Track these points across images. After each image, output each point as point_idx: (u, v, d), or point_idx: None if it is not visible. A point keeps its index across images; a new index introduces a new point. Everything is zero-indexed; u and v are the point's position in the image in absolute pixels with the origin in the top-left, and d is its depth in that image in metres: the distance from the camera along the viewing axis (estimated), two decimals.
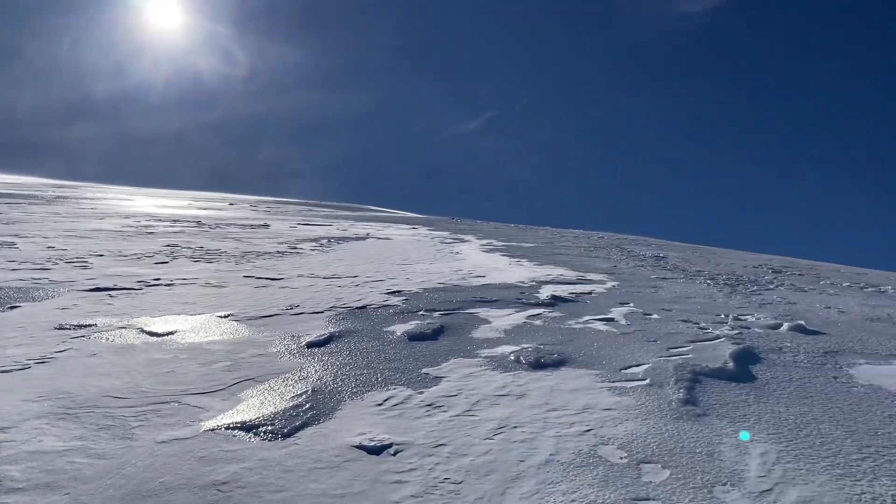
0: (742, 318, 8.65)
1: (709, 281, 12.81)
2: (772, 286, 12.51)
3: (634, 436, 4.35)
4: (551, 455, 4.03)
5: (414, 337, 6.95)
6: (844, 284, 13.13)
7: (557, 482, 3.68)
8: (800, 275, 14.86)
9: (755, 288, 12.07)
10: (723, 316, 8.74)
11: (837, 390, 5.44)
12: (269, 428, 4.43)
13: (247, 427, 4.43)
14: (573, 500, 3.46)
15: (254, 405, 4.86)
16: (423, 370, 5.80)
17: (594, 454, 4.06)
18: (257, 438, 4.27)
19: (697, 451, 4.11)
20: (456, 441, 4.23)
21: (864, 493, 3.53)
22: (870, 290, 12.47)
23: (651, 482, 3.69)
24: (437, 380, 5.53)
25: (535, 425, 4.52)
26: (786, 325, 8.02)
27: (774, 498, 3.50)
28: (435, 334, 7.10)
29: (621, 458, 4.02)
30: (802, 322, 8.16)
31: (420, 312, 8.21)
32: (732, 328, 7.81)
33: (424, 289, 10.11)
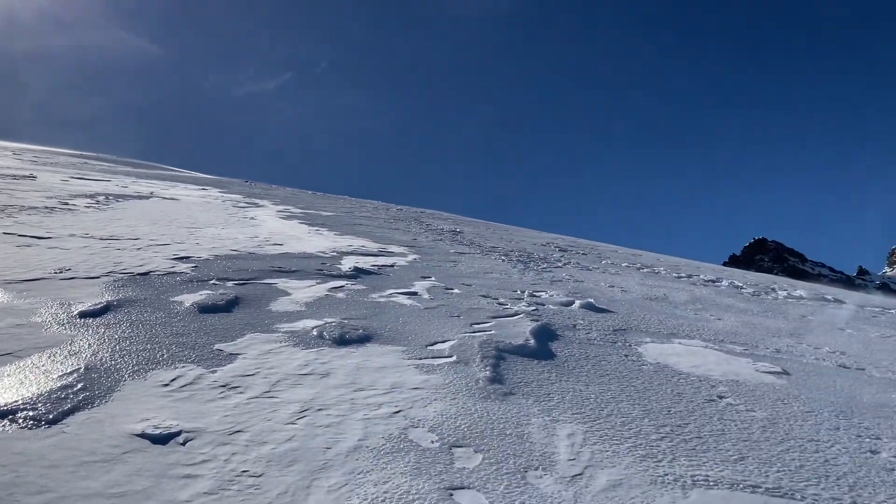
0: (537, 294, 8.89)
1: (503, 257, 13.16)
2: (560, 264, 13.11)
3: (444, 417, 4.18)
4: (360, 440, 3.75)
5: (205, 308, 6.34)
6: (623, 265, 14.10)
7: (368, 471, 3.41)
8: (583, 254, 15.77)
9: (545, 265, 12.57)
10: (519, 292, 8.93)
11: (630, 368, 5.66)
12: (31, 413, 3.74)
13: (1, 413, 3.71)
14: (385, 492, 3.21)
15: (11, 385, 4.10)
16: (216, 346, 5.27)
17: (405, 438, 3.83)
18: (14, 426, 3.57)
19: (507, 432, 4.03)
20: (254, 427, 3.82)
21: (667, 475, 3.61)
22: (645, 270, 13.49)
23: (464, 468, 3.53)
24: (231, 357, 5.04)
25: (342, 407, 4.21)
26: (577, 303, 8.34)
27: (585, 483, 3.47)
28: (228, 306, 6.53)
29: (433, 441, 3.83)
30: (592, 300, 8.54)
31: (211, 281, 7.56)
32: (529, 304, 7.98)
33: (216, 255, 9.38)
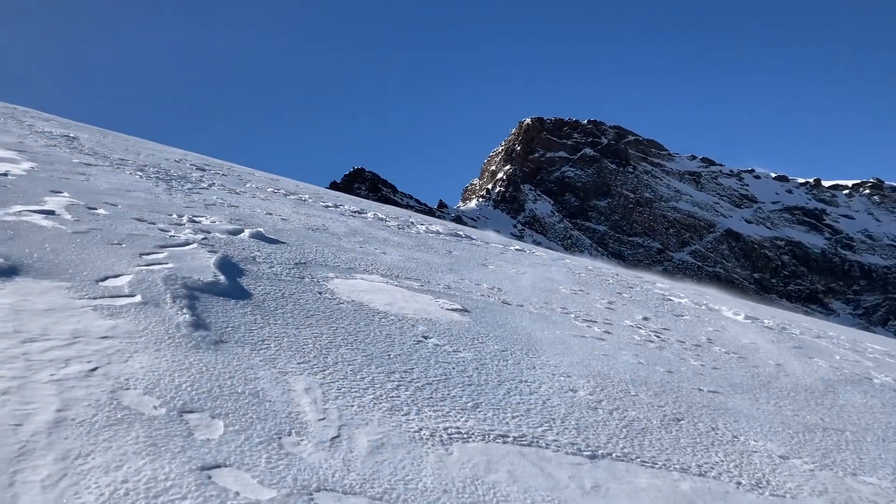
0: (197, 219, 8.07)
1: (139, 172, 11.75)
2: (205, 185, 12.15)
3: (157, 374, 3.47)
4: (60, 411, 2.91)
5: None
6: (269, 190, 13.61)
7: (87, 454, 2.65)
8: (223, 175, 14.86)
9: (190, 186, 11.53)
10: (176, 216, 8.01)
11: (331, 307, 5.40)
12: None
13: None
14: (124, 481, 2.52)
15: None
16: None
17: (119, 405, 3.08)
18: None
19: (239, 390, 3.49)
20: None
21: (422, 430, 3.47)
22: (293, 197, 13.19)
23: (209, 440, 2.95)
24: None
25: (15, 366, 3.25)
26: (247, 232, 7.76)
27: (347, 446, 3.15)
28: None
29: (155, 407, 3.14)
30: (261, 230, 8.02)
31: None
32: (195, 232, 7.19)
33: None
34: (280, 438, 3.10)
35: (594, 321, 7.33)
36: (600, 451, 3.59)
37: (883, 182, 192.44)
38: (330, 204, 13.58)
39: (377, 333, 4.96)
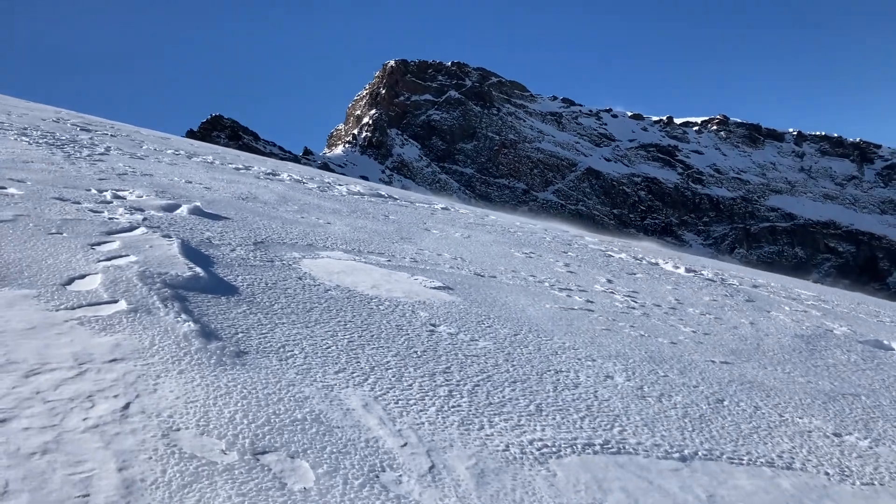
0: (120, 194, 7.24)
1: (23, 137, 10.45)
2: (100, 149, 10.99)
3: (200, 405, 2.96)
4: (122, 471, 2.40)
5: None
6: (169, 152, 12.52)
7: None
8: (112, 136, 13.53)
9: (87, 152, 10.38)
10: (96, 192, 7.15)
11: (321, 296, 4.92)
12: None
13: None
14: None
15: None
16: None
17: (183, 454, 2.59)
18: None
19: (298, 416, 3.05)
20: None
21: (510, 447, 3.16)
22: (197, 159, 12.20)
23: (307, 489, 2.52)
24: None
25: (35, 409, 2.67)
26: (184, 208, 7.01)
27: (451, 478, 2.80)
28: None
29: (224, 451, 2.67)
30: (197, 204, 7.29)
31: None
32: (129, 210, 6.43)
33: None
34: (378, 477, 2.71)
35: (569, 289, 7.20)
36: (686, 451, 3.41)
37: (728, 118, 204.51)
38: (240, 166, 12.68)
39: (386, 325, 4.56)
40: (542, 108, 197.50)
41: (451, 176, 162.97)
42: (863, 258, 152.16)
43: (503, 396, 3.71)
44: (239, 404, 3.02)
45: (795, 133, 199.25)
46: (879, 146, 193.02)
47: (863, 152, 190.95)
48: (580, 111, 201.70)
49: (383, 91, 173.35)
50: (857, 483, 3.39)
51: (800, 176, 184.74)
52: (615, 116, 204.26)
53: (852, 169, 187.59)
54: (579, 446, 3.26)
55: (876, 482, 3.44)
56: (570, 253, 10.92)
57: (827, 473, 3.45)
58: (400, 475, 2.74)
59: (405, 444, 2.97)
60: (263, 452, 2.70)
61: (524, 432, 3.31)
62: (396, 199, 12.78)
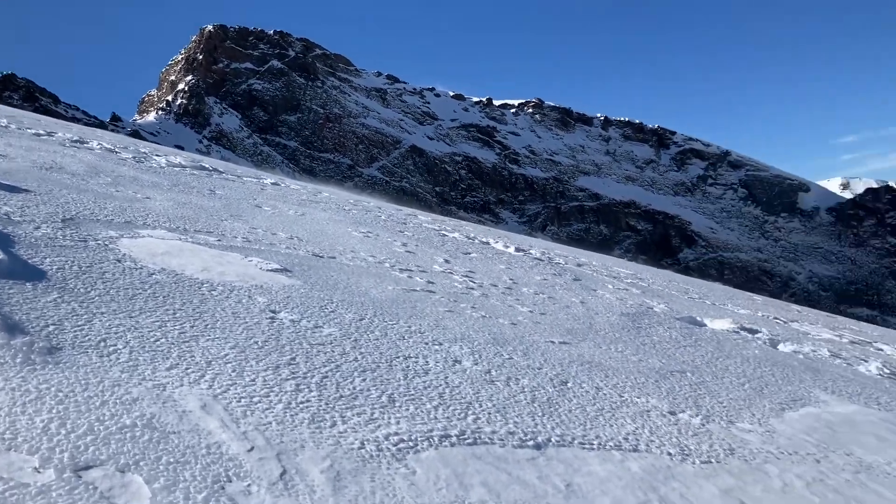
0: None
1: None
2: None
3: (8, 414, 2.52)
4: None
5: None
6: None
7: None
8: None
9: None
10: None
11: (145, 281, 4.45)
12: None
13: None
14: None
15: None
16: None
17: None
18: None
19: (127, 422, 2.67)
20: None
21: (365, 444, 2.97)
22: None
23: None
24: None
25: None
26: None
27: (304, 484, 2.57)
28: None
29: (38, 469, 2.28)
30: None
31: None
32: None
33: None
34: (224, 488, 2.43)
35: (410, 270, 7.07)
36: (539, 438, 3.40)
37: (543, 102, 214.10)
38: (41, 132, 11.37)
39: (222, 313, 4.19)
40: (367, 84, 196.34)
41: (275, 149, 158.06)
42: (658, 235, 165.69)
43: (354, 388, 3.51)
44: (54, 411, 2.61)
45: (602, 118, 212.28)
46: (674, 133, 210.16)
47: (660, 138, 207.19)
48: (404, 89, 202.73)
49: (200, 57, 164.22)
50: (697, 462, 3.54)
51: (606, 158, 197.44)
52: (438, 95, 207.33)
53: (651, 153, 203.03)
54: (436, 439, 3.14)
55: (713, 460, 3.61)
56: (406, 232, 10.84)
57: (669, 454, 3.57)
58: (248, 484, 2.47)
59: (252, 449, 2.70)
60: (87, 468, 2.34)
61: (379, 426, 3.14)
62: (222, 172, 12.05)
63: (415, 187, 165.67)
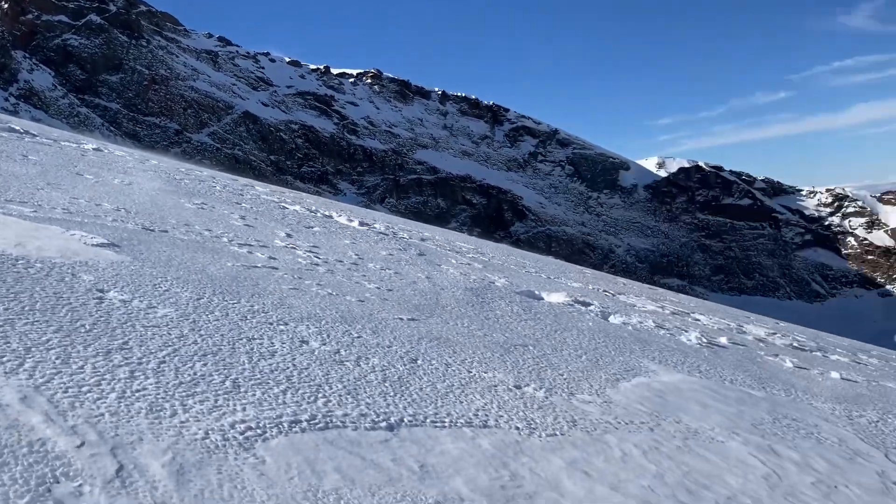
0: None
1: None
2: None
3: None
4: None
5: None
6: None
7: None
8: None
9: None
10: None
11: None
12: None
13: None
14: None
15: None
16: None
17: None
18: None
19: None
20: None
21: (209, 434, 2.80)
22: None
23: None
24: None
25: None
26: None
27: (143, 479, 2.39)
28: None
29: None
30: None
31: None
32: None
33: None
34: (51, 490, 2.21)
35: (250, 245, 6.77)
36: (392, 419, 3.37)
37: (382, 73, 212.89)
38: None
39: (41, 293, 3.81)
40: (197, 45, 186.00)
41: (94, 110, 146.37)
42: (492, 209, 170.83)
43: (195, 373, 3.31)
44: None
45: (440, 92, 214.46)
46: (508, 110, 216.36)
47: (495, 115, 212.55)
48: (237, 52, 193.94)
49: (6, 5, 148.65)
50: (543, 435, 3.65)
51: (443, 133, 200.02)
52: (273, 61, 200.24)
53: (486, 129, 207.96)
54: (285, 425, 3.02)
55: (558, 433, 3.74)
56: (243, 204, 10.40)
57: (517, 428, 3.66)
58: (80, 484, 2.26)
59: (82, 444, 2.47)
60: None
61: (224, 414, 2.98)
62: (35, 135, 10.97)
63: (248, 155, 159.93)
